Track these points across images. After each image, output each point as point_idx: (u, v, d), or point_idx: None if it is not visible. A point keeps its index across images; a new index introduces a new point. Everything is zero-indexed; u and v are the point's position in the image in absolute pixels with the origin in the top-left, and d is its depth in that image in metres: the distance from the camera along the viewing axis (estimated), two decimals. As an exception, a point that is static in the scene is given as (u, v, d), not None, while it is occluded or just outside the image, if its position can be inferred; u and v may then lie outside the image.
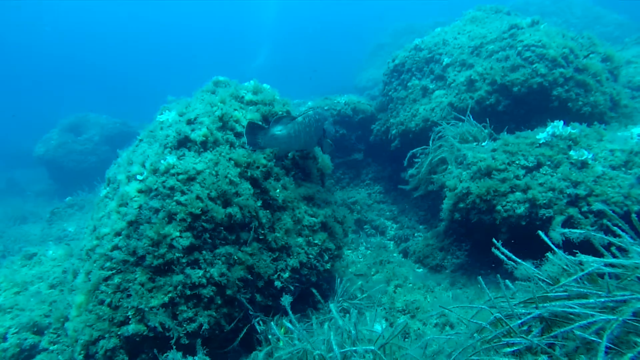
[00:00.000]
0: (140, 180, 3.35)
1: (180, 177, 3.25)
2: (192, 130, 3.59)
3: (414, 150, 5.41)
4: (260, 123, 3.97)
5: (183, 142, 3.54)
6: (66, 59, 36.29)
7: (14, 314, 3.64)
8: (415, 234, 6.36)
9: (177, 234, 3.04)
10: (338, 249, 4.36)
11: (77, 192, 10.22)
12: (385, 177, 7.70)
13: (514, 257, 2.44)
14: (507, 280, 2.61)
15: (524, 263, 2.37)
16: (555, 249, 2.36)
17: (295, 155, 4.21)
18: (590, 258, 2.00)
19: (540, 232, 2.51)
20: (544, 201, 3.62)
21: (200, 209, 3.11)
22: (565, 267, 2.21)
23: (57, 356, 3.41)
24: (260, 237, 3.51)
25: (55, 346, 3.51)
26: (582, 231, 2.29)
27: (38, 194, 12.96)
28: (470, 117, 5.15)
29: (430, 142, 5.20)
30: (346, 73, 18.02)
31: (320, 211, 4.17)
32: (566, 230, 2.39)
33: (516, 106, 5.32)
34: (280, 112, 4.30)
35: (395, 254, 5.77)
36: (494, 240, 2.54)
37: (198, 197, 3.15)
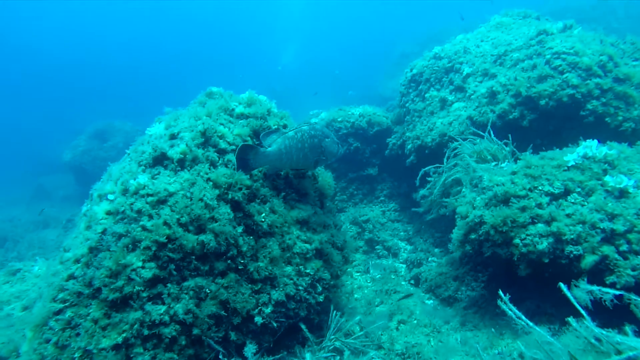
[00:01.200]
0: (111, 201, 3.01)
1: (150, 199, 2.89)
2: (171, 146, 3.24)
3: (426, 169, 4.87)
4: (249, 139, 3.58)
5: (159, 160, 3.19)
6: (91, 66, 36.88)
7: (-22, 339, 3.37)
8: (430, 259, 5.78)
9: (139, 264, 2.66)
10: (335, 278, 3.90)
11: (96, 199, 10.20)
12: (402, 194, 7.14)
13: (524, 318, 1.90)
14: (519, 343, 2.07)
15: (537, 328, 1.83)
16: (583, 312, 1.81)
17: (289, 174, 3.80)
18: (632, 340, 1.45)
19: (561, 286, 1.96)
20: (572, 236, 3.02)
21: (166, 237, 2.73)
22: (593, 341, 1.66)
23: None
24: (240, 267, 3.09)
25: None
26: (616, 292, 1.73)
27: (64, 199, 13.17)
28: (491, 132, 4.56)
29: (445, 160, 4.64)
30: (374, 81, 17.51)
31: (316, 236, 3.73)
32: (595, 288, 1.83)
33: (543, 121, 4.70)
34: (275, 126, 3.91)
35: (403, 282, 5.21)
36: (500, 293, 2.01)
37: (165, 223, 2.78)
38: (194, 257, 2.86)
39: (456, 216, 3.73)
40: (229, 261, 3.02)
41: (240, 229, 3.13)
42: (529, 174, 3.43)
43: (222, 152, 3.36)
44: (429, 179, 4.91)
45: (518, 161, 3.79)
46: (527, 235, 3.17)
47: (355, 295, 5.38)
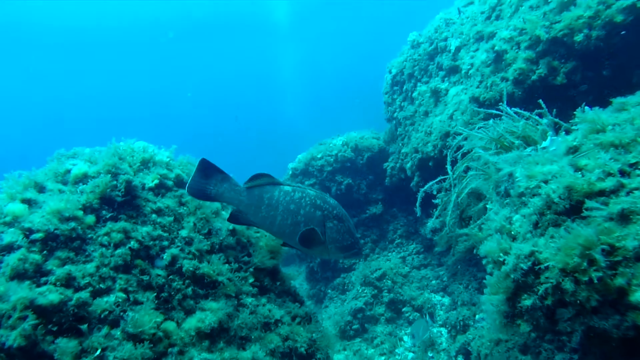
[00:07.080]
0: None
1: None
2: None
3: (424, 188, 3.05)
4: (80, 213, 2.00)
5: None
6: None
7: None
8: (477, 315, 3.72)
9: None
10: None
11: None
12: (421, 229, 5.20)
13: None
14: None
15: None
16: None
17: (176, 256, 2.14)
18: None
19: None
20: None
21: None
22: None
23: None
24: None
25: None
26: None
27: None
28: (508, 108, 2.74)
29: (448, 166, 2.82)
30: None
31: (245, 353, 2.02)
32: None
33: (590, 66, 2.83)
34: (156, 182, 2.37)
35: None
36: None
37: None
38: None
39: (484, 261, 1.85)
40: None
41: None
42: (605, 142, 1.57)
43: (8, 251, 1.77)
44: (436, 201, 3.07)
45: (571, 130, 1.94)
46: (659, 278, 1.26)
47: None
